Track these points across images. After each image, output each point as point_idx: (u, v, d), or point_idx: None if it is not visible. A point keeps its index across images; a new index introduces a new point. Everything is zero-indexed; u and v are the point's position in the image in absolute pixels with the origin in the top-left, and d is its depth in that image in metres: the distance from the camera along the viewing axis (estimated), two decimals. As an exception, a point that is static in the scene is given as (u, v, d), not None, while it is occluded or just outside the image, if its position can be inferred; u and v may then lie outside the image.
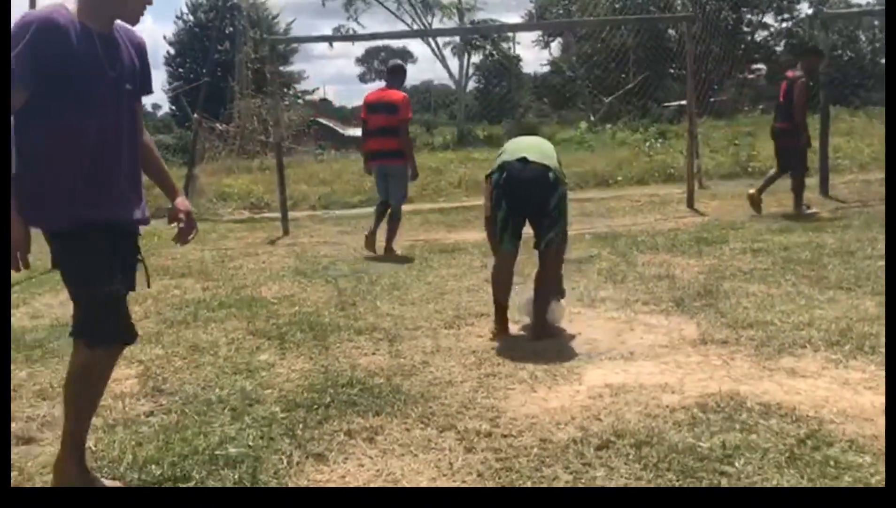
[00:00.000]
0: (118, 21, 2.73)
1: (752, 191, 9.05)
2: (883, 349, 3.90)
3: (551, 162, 4.58)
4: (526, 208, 4.61)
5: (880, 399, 3.33)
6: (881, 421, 3.11)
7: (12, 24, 2.55)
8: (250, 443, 3.18)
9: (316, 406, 3.54)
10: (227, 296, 5.99)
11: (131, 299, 5.96)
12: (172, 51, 38.62)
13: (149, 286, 2.98)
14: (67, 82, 2.59)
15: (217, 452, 3.10)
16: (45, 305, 5.95)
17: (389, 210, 7.78)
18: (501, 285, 4.70)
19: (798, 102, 8.52)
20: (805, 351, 4.00)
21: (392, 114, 7.56)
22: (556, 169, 4.57)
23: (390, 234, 7.76)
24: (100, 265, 2.69)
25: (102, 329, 2.70)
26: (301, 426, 3.33)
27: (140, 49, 2.84)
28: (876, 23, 30.03)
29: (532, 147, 4.74)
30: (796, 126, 8.59)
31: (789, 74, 8.89)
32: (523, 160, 4.55)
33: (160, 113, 44.82)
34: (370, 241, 7.67)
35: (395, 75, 7.94)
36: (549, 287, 4.69)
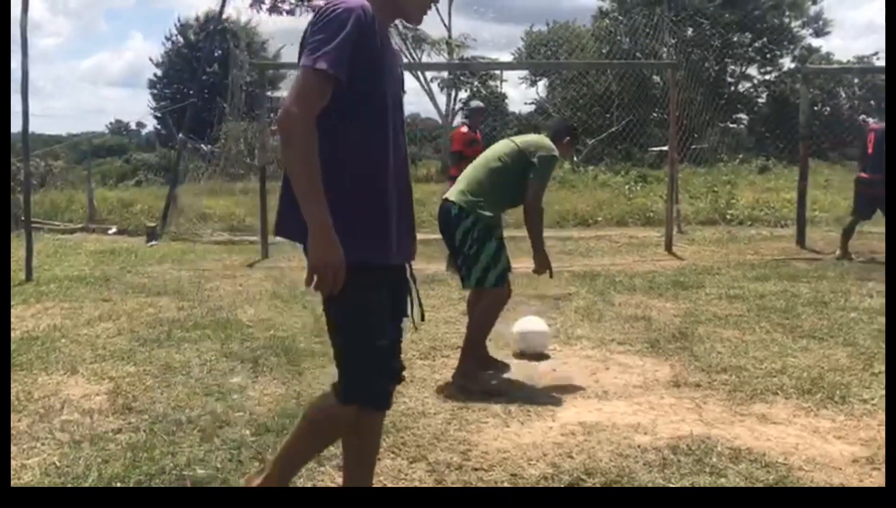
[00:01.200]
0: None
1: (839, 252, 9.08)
2: (853, 400, 3.96)
3: (462, 196, 4.28)
4: (448, 246, 4.44)
5: (849, 448, 3.36)
6: (850, 470, 3.14)
7: (323, 6, 2.16)
8: (218, 465, 3.15)
9: (286, 431, 3.48)
10: (202, 317, 5.94)
11: (105, 316, 5.92)
12: (159, 72, 38.53)
13: (423, 319, 2.46)
14: (375, 90, 2.20)
15: (184, 472, 3.07)
16: (16, 317, 5.86)
17: None
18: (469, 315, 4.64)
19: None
20: (777, 398, 4.03)
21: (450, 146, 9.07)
22: (468, 201, 4.25)
23: None
24: (384, 315, 2.31)
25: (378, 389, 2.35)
26: (270, 450, 3.29)
27: (400, 58, 2.39)
28: (856, 81, 30.72)
29: (465, 174, 4.49)
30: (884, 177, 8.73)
31: (875, 126, 9.02)
32: (445, 199, 4.42)
33: (144, 131, 44.62)
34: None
35: (470, 114, 9.47)
36: (472, 335, 4.36)
